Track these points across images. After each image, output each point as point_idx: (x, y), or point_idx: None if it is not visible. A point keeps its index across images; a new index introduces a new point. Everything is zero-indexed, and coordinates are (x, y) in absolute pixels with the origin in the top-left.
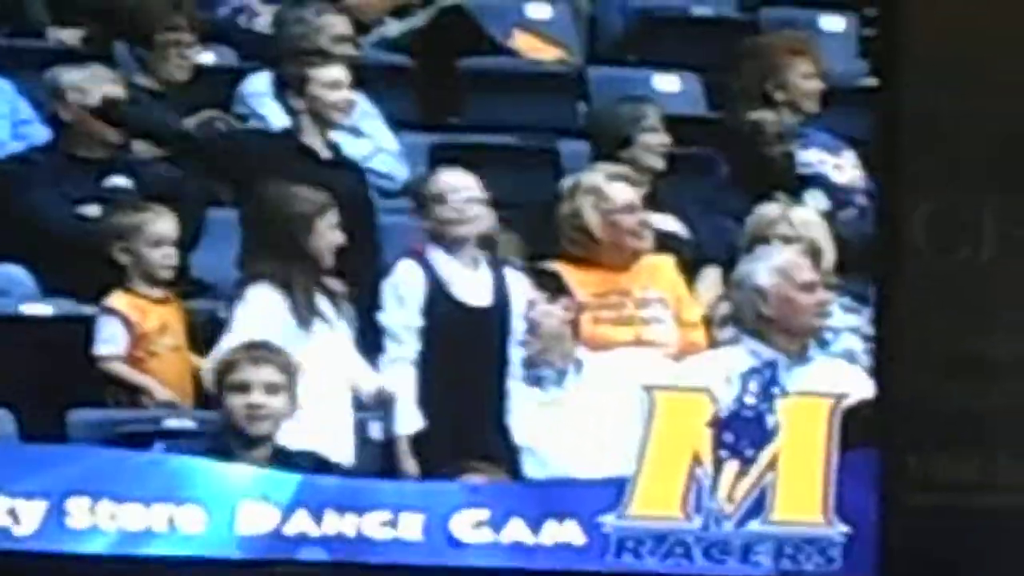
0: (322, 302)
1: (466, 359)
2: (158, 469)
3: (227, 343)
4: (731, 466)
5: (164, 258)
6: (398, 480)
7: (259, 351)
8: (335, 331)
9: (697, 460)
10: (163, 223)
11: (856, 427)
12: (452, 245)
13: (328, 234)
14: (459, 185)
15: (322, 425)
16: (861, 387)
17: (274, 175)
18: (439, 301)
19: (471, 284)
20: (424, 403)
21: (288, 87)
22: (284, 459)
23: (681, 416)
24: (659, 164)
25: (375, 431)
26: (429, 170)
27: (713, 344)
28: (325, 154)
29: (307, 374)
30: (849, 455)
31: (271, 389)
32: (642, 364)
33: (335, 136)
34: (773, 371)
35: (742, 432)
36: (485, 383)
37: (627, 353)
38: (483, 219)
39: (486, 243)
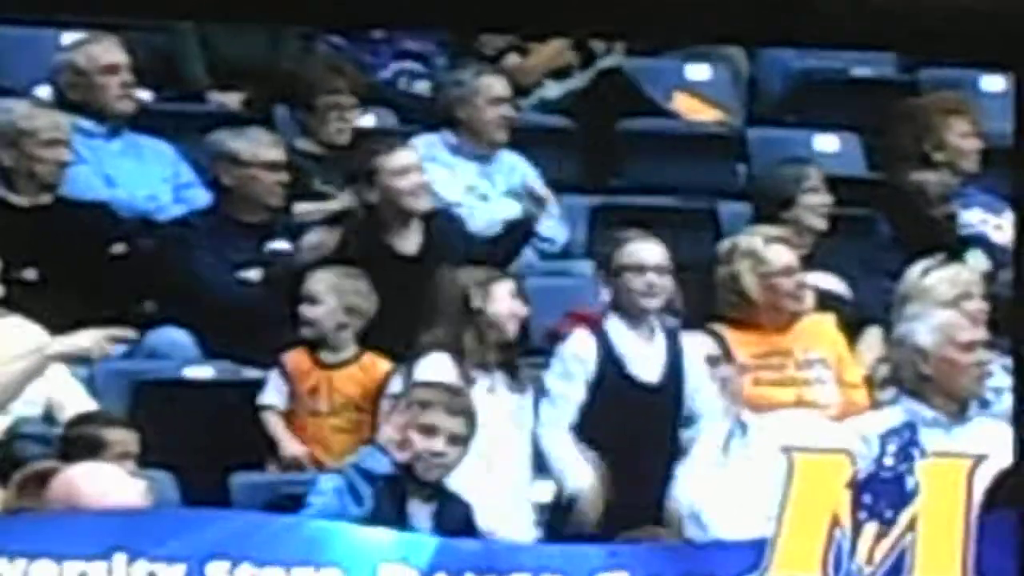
0: (497, 376)
1: (638, 433)
2: (298, 532)
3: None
4: (870, 528)
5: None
6: (538, 543)
7: (455, 399)
8: (504, 406)
9: (836, 522)
10: (311, 284)
11: (998, 489)
12: (632, 315)
13: (503, 303)
14: (651, 256)
15: (482, 491)
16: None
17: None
18: (611, 376)
19: (646, 359)
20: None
21: (355, 181)
22: (442, 498)
23: (821, 478)
24: (821, 224)
25: (536, 495)
26: (618, 237)
27: (874, 405)
28: (407, 248)
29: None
30: (990, 518)
31: (454, 440)
32: (803, 426)
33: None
34: (912, 432)
35: (881, 494)
36: (655, 457)
37: (789, 415)
38: (669, 290)
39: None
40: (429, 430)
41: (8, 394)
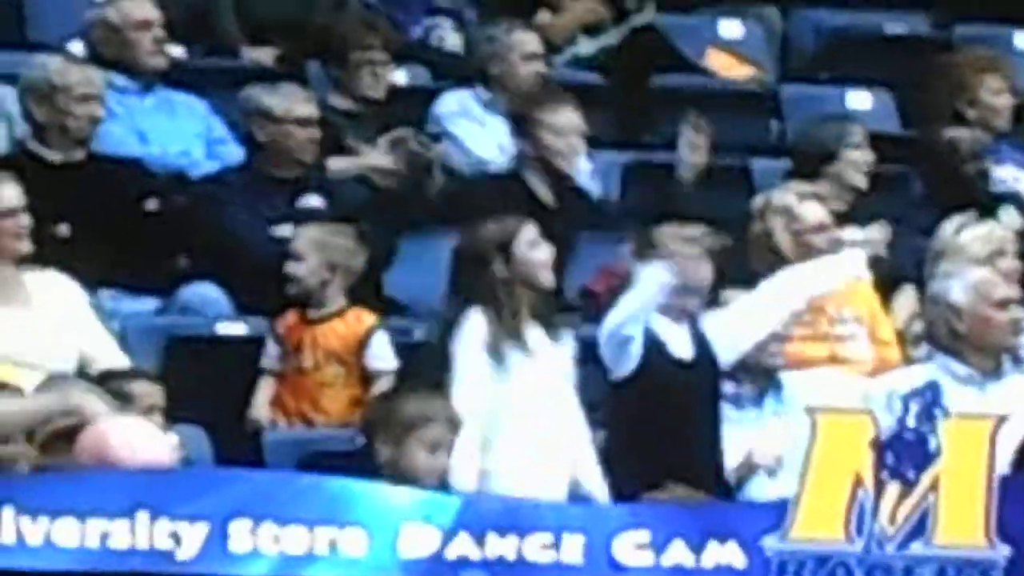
0: (533, 332)
1: (680, 409)
2: (320, 491)
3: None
4: (893, 488)
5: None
6: (560, 503)
7: (453, 414)
8: (539, 363)
9: (859, 482)
10: (295, 242)
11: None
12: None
13: (529, 254)
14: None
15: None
16: None
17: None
18: (654, 358)
19: (680, 338)
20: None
21: (516, 126)
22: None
23: (843, 438)
24: (862, 182)
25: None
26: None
27: (907, 361)
28: (548, 200)
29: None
30: (1014, 478)
31: (449, 448)
32: (837, 384)
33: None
34: (935, 393)
35: (904, 454)
36: (698, 430)
37: (823, 373)
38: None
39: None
40: (433, 446)
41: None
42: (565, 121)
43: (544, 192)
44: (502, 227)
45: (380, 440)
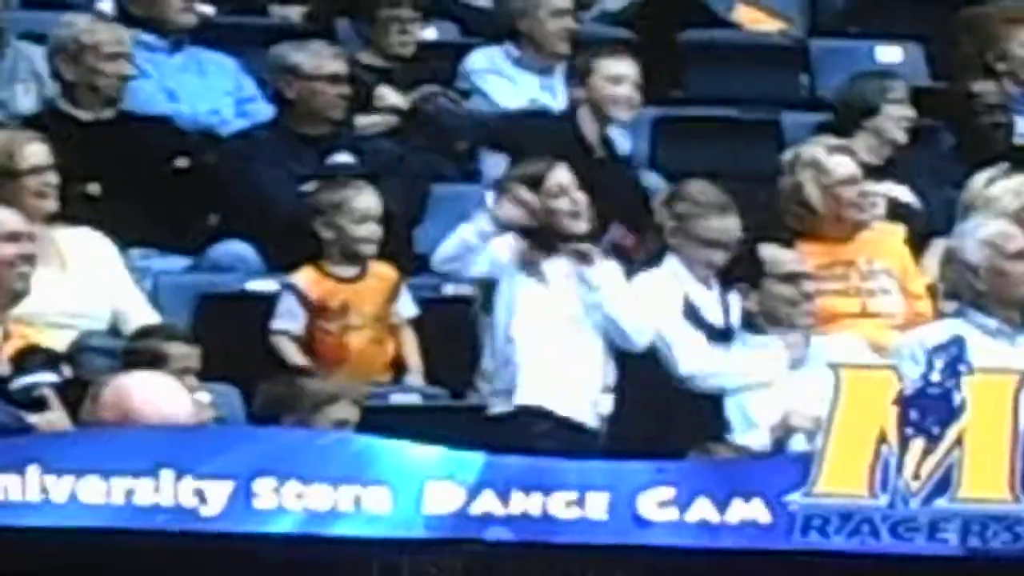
0: (556, 262)
1: None
2: (344, 449)
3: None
4: (917, 444)
5: (370, 234)
6: (584, 459)
7: (359, 394)
8: (559, 291)
9: (883, 438)
10: (365, 199)
11: None
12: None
13: (554, 201)
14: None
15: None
16: None
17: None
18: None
19: (711, 303)
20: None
21: (572, 76)
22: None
23: (867, 393)
24: (902, 137)
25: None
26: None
27: (939, 315)
28: (597, 151)
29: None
30: None
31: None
32: (865, 339)
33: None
34: (960, 348)
35: (928, 409)
36: None
37: (853, 325)
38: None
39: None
40: (341, 425)
41: None
42: (622, 69)
43: (593, 138)
44: (535, 165)
45: (287, 418)
